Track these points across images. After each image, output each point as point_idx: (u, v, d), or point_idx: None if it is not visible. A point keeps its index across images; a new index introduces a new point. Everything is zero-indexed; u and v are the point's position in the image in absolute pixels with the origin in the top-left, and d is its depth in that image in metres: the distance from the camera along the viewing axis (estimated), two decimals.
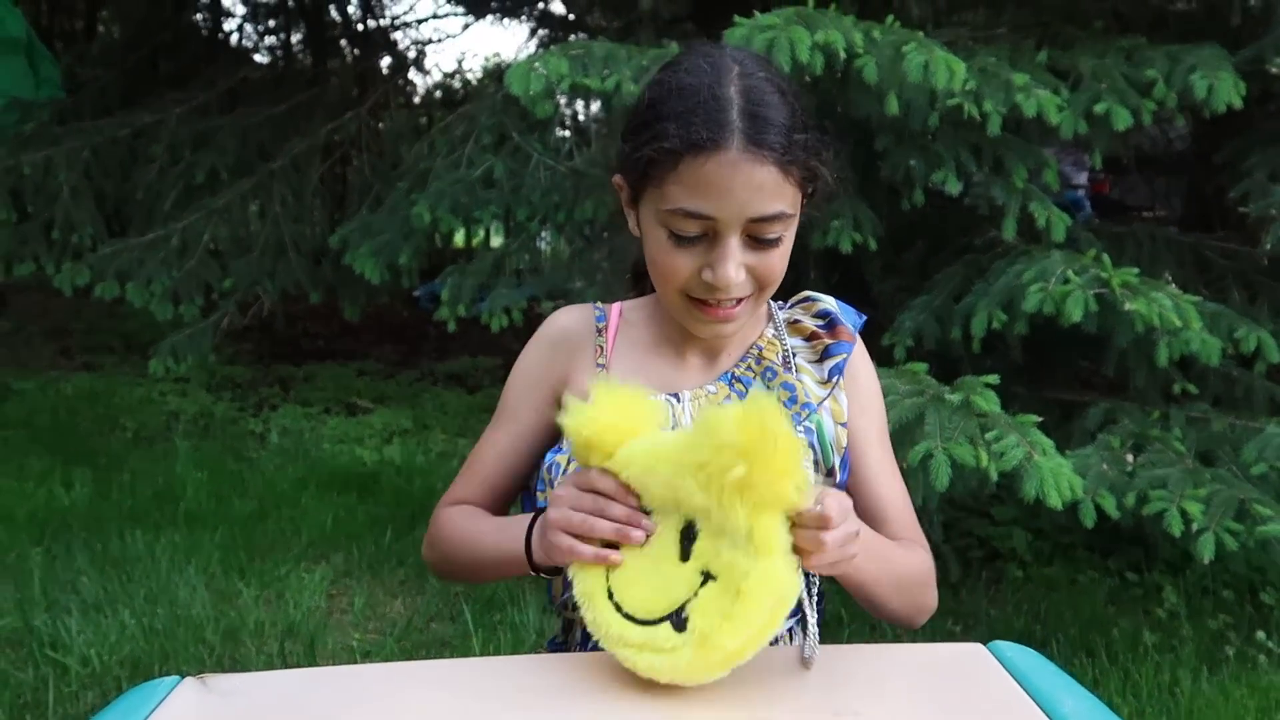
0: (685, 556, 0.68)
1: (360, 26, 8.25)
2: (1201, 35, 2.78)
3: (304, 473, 3.17)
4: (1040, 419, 1.79)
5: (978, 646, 0.90)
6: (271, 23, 9.50)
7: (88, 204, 4.01)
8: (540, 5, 7.93)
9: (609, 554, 0.71)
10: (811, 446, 0.88)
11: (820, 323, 0.94)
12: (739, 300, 0.83)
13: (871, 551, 0.80)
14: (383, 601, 2.33)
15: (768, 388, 0.89)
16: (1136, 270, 2.08)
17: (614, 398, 0.73)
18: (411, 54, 8.64)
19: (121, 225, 4.22)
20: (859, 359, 0.95)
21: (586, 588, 0.71)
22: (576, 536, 0.72)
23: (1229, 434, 2.09)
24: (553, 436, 0.91)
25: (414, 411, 4.07)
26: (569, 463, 0.85)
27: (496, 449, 0.94)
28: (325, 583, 2.38)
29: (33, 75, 4.50)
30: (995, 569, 2.42)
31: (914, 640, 0.95)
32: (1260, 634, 2.02)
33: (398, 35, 8.75)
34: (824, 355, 0.92)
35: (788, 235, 0.82)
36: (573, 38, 8.57)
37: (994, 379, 1.88)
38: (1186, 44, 2.53)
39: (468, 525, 0.91)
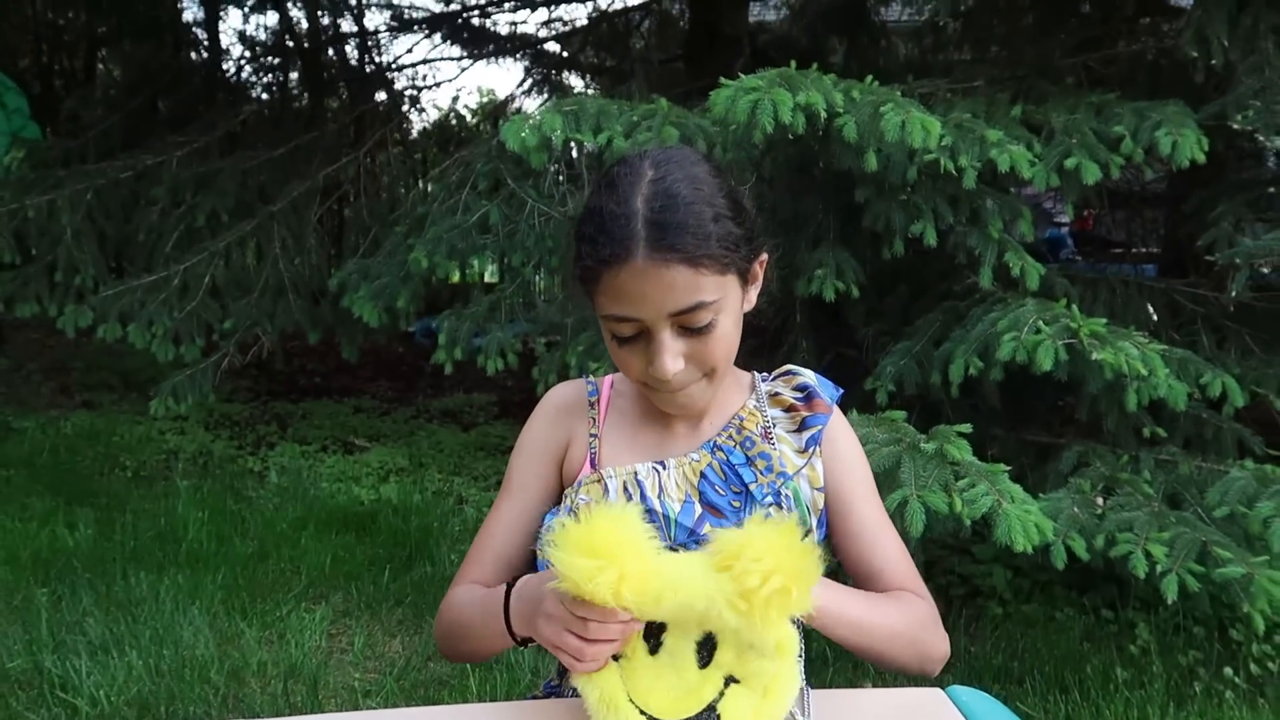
0: (705, 664, 0.76)
1: (356, 65, 8.38)
2: (1169, 90, 2.90)
3: (303, 512, 3.24)
4: (1009, 467, 1.87)
5: (937, 691, 0.99)
6: (269, 60, 9.68)
7: (90, 246, 4.10)
8: (535, 45, 8.09)
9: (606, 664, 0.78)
10: (791, 510, 0.97)
11: (799, 395, 1.03)
12: (689, 385, 0.93)
13: (838, 613, 0.88)
14: (381, 641, 2.39)
15: (746, 456, 0.98)
16: (1104, 321, 2.17)
17: (591, 535, 0.74)
18: (408, 94, 8.78)
19: (122, 266, 4.31)
20: (838, 426, 1.04)
21: (606, 694, 0.77)
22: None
23: (1195, 477, 2.18)
24: (557, 502, 0.99)
25: (410, 449, 4.14)
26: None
27: (504, 522, 1.01)
28: (325, 623, 2.44)
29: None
30: (976, 606, 2.49)
31: (884, 683, 1.02)
32: (1228, 670, 2.10)
33: (394, 75, 8.89)
34: (802, 426, 1.01)
35: (720, 319, 0.91)
36: (566, 75, 8.70)
37: (966, 428, 1.97)
38: (1154, 100, 2.65)
39: (463, 601, 0.97)
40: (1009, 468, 1.89)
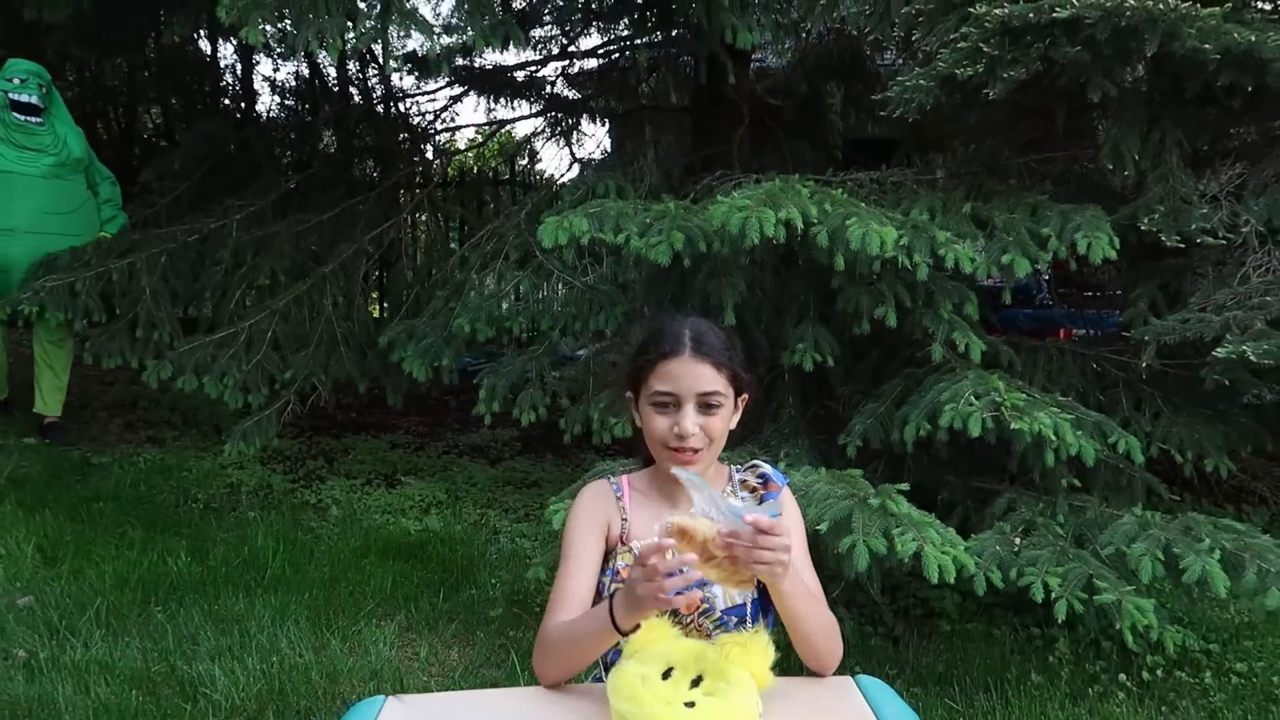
0: (694, 686, 1.30)
1: (379, 106, 8.95)
2: (1096, 190, 3.45)
3: (362, 541, 3.78)
4: (934, 516, 2.41)
5: (847, 679, 1.51)
6: (299, 105, 10.28)
7: (165, 303, 4.66)
8: (549, 89, 8.65)
9: (691, 595, 1.27)
10: None
11: (759, 480, 1.56)
12: (696, 450, 1.46)
13: (797, 578, 1.39)
14: (441, 651, 2.92)
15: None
16: (1024, 396, 2.71)
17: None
18: (431, 139, 9.35)
19: (195, 321, 4.86)
20: (785, 500, 1.56)
21: (628, 688, 1.27)
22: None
23: (1099, 520, 2.71)
24: (603, 562, 1.51)
25: (446, 484, 4.68)
26: (611, 580, 1.47)
27: (576, 577, 1.47)
28: (393, 636, 2.97)
29: (93, 197, 5.09)
30: (929, 624, 3.02)
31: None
32: (1122, 676, 2.62)
33: (415, 116, 9.45)
34: (760, 501, 1.54)
35: (723, 410, 1.46)
36: (579, 120, 9.21)
37: (905, 486, 2.51)
38: (1081, 203, 3.19)
39: (565, 625, 1.43)
40: (934, 514, 2.42)
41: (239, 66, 10.65)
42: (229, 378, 4.27)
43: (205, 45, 10.31)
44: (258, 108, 10.54)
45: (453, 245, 7.25)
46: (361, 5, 3.85)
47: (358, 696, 2.57)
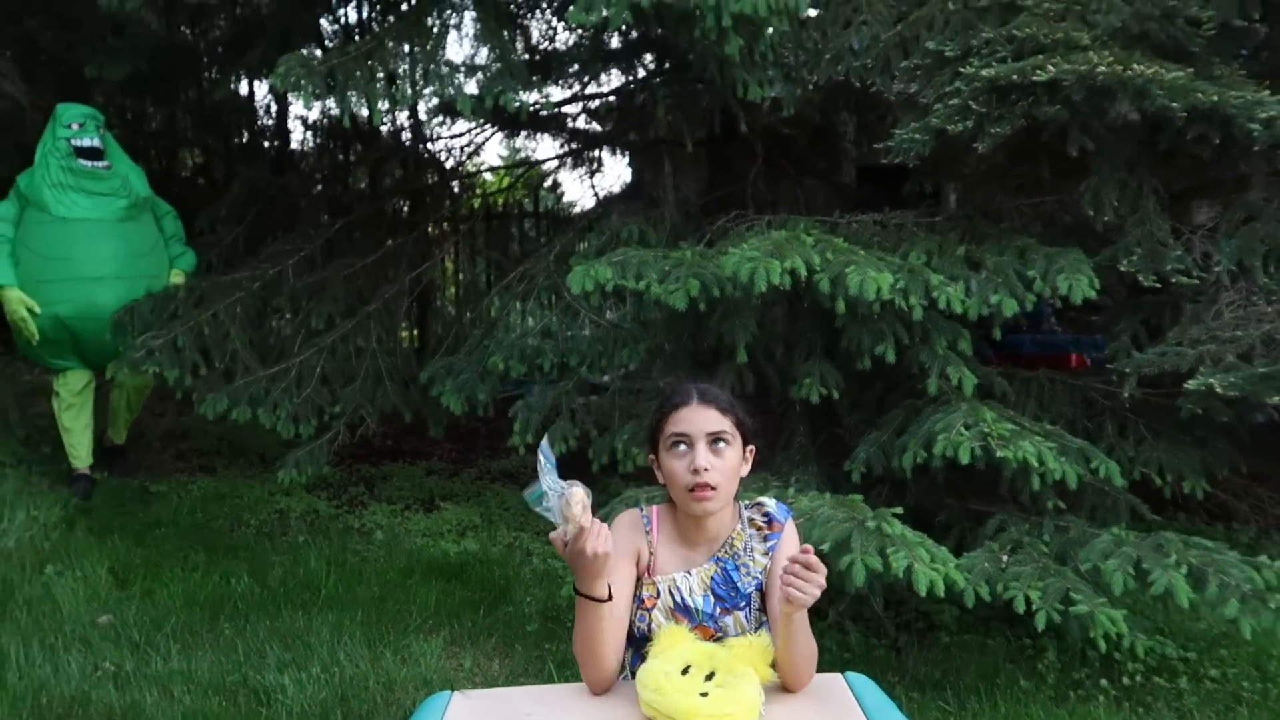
0: (707, 680, 1.58)
1: (407, 141, 9.32)
2: (1082, 232, 3.72)
3: (406, 563, 4.08)
4: (926, 537, 2.68)
5: (837, 675, 1.79)
6: (330, 143, 10.69)
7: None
8: (570, 123, 9.00)
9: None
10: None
11: (764, 519, 1.84)
12: (712, 488, 1.73)
13: (805, 627, 1.66)
14: (483, 663, 3.21)
15: (735, 564, 1.76)
16: (1010, 426, 2.98)
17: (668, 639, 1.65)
18: (455, 172, 9.71)
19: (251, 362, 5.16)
20: (787, 534, 1.84)
21: (654, 680, 1.57)
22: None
23: (1080, 539, 2.97)
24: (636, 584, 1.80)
25: (480, 508, 4.98)
26: (638, 608, 1.76)
27: (615, 600, 1.73)
28: (440, 649, 3.27)
29: (160, 234, 5.18)
30: (930, 636, 3.28)
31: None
32: (1104, 681, 2.88)
33: (442, 153, 9.82)
34: (765, 539, 1.82)
35: (730, 450, 1.73)
36: (600, 153, 9.53)
37: (899, 510, 2.78)
38: (1068, 244, 3.47)
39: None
40: (932, 535, 2.70)
41: (274, 106, 11.10)
42: (281, 409, 4.57)
43: (243, 86, 10.77)
44: (291, 144, 10.98)
45: (479, 276, 7.56)
46: (401, 69, 4.20)
47: (413, 702, 2.87)
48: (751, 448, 1.81)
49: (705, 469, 1.71)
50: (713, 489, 1.72)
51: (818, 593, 1.51)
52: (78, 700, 2.83)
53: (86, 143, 4.80)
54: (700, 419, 1.73)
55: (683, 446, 1.73)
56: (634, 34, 5.09)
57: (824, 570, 1.52)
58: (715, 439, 1.73)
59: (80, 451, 4.99)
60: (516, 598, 3.72)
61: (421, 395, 4.71)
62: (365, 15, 8.52)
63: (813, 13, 4.45)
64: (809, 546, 1.55)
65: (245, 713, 2.76)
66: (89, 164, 4.78)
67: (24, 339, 4.80)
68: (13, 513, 4.41)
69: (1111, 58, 3.14)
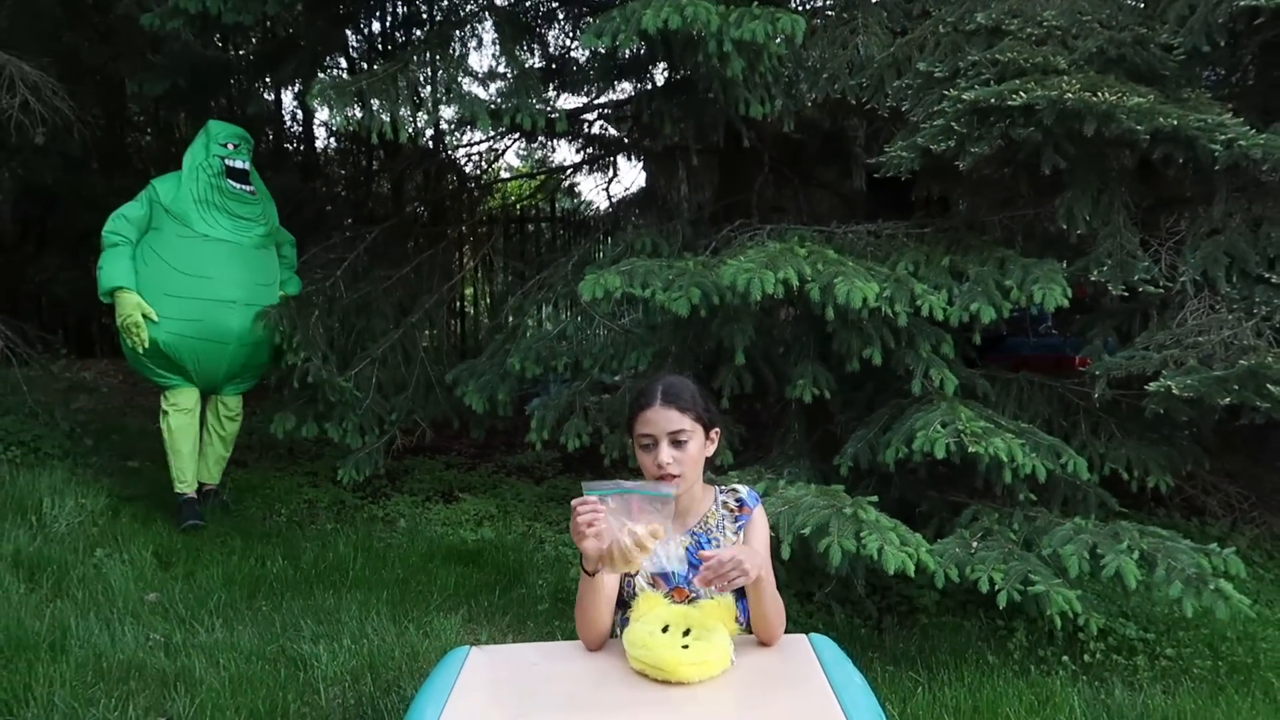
0: (684, 635, 1.86)
1: (429, 146, 9.63)
2: (1058, 243, 3.98)
3: (427, 548, 4.38)
4: (899, 523, 2.95)
5: (801, 637, 2.06)
6: (352, 148, 11.02)
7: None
8: (586, 129, 9.29)
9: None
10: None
11: (736, 503, 2.12)
12: (676, 475, 1.99)
13: (768, 574, 1.94)
14: (499, 637, 3.50)
15: (708, 539, 2.04)
16: (984, 424, 3.25)
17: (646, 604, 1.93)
18: (478, 180, 10.02)
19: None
20: (756, 518, 2.11)
21: (640, 637, 1.86)
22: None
23: (1046, 527, 3.23)
24: None
25: (496, 500, 5.27)
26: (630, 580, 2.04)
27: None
28: (459, 625, 3.56)
29: (280, 265, 5.08)
30: (911, 618, 3.54)
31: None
32: (1065, 658, 3.13)
33: (464, 160, 10.13)
34: (736, 520, 2.10)
35: (692, 442, 2.00)
36: (615, 157, 9.81)
37: (874, 499, 3.05)
38: (1045, 255, 3.73)
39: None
40: (913, 524, 2.97)
41: (300, 113, 11.45)
42: (348, 422, 4.86)
43: (269, 94, 11.13)
44: (315, 147, 11.33)
45: (499, 280, 7.85)
46: (425, 90, 4.50)
47: None
48: (716, 430, 2.08)
49: (668, 463, 1.98)
50: (676, 476, 1.99)
51: (740, 576, 1.80)
52: (134, 665, 3.13)
53: (239, 164, 4.68)
54: (663, 420, 1.98)
55: (649, 444, 2.00)
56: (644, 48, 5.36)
57: (732, 558, 1.80)
58: (676, 437, 1.99)
59: (187, 476, 4.78)
60: (529, 580, 4.01)
61: (458, 399, 4.97)
62: (389, 26, 8.86)
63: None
64: (707, 553, 1.86)
65: (285, 677, 3.05)
66: (238, 186, 4.64)
67: (130, 346, 4.55)
68: (62, 501, 4.73)
69: (1078, 84, 3.39)
